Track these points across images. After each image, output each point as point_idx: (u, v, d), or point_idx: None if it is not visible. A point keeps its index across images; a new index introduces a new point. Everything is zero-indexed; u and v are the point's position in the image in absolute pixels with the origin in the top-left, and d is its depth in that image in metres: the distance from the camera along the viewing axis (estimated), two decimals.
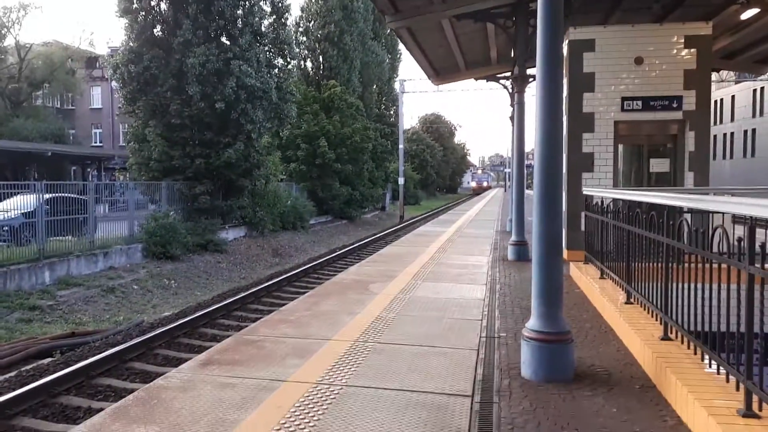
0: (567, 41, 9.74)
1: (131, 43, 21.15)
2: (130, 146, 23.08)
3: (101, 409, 5.32)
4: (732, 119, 49.39)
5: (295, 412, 3.89)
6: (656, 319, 5.02)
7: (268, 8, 23.84)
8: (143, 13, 21.31)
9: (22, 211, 14.69)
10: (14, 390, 7.11)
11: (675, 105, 9.62)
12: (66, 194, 16.30)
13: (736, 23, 11.70)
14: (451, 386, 4.36)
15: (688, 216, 5.92)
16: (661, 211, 4.92)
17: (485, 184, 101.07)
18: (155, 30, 21.88)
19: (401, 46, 43.47)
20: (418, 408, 3.96)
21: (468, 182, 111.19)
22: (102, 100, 50.34)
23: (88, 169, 39.10)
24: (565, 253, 9.14)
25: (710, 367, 3.92)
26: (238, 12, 21.90)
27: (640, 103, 9.71)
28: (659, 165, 10.05)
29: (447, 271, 9.75)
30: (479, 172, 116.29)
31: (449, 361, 4.94)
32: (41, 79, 41.03)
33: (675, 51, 9.63)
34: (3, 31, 38.88)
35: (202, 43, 20.59)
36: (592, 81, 9.81)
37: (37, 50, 41.31)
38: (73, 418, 6.67)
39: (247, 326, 7.50)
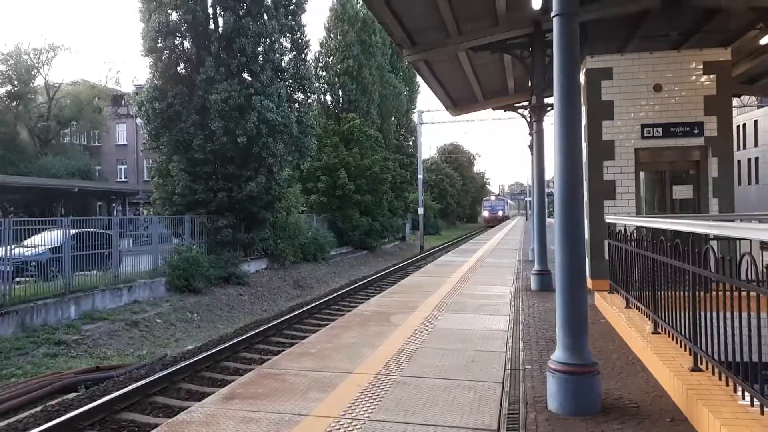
0: (584, 70, 9.77)
1: (155, 81, 21.75)
2: (154, 181, 23.53)
3: None
4: (756, 144, 48.70)
5: None
6: (685, 350, 4.90)
7: (288, 45, 24.40)
8: (167, 51, 21.95)
9: (49, 247, 14.98)
10: (40, 425, 7.16)
11: (696, 131, 9.54)
12: (91, 229, 16.61)
13: (755, 48, 11.65)
14: (476, 420, 4.28)
15: (714, 243, 5.81)
16: (686, 239, 4.85)
17: (500, 213, 77.23)
18: (179, 68, 22.49)
19: (419, 78, 43.95)
20: None
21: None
22: (127, 137, 51.54)
23: (113, 204, 39.83)
24: (589, 283, 9.01)
25: (743, 399, 3.80)
26: (259, 49, 22.43)
27: (660, 129, 9.66)
28: (682, 192, 9.93)
29: (469, 302, 9.65)
30: (492, 198, 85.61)
31: (474, 395, 4.86)
32: (69, 117, 42.25)
33: (694, 77, 9.60)
34: (33, 72, 40.25)
35: (224, 79, 21.08)
36: (611, 109, 9.80)
37: (66, 89, 42.65)
38: None
39: (269, 359, 7.48)
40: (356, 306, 12.16)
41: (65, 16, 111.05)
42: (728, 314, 3.87)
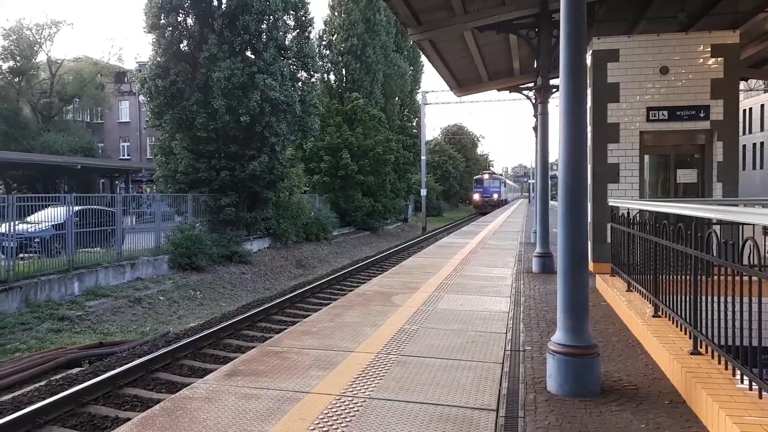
0: (591, 51, 9.67)
1: (158, 58, 21.62)
2: (157, 159, 23.51)
3: (128, 419, 5.41)
4: (762, 128, 48.40)
5: (318, 424, 3.89)
6: (685, 333, 4.92)
7: (291, 22, 24.18)
8: (170, 28, 21.78)
9: (53, 223, 15.04)
10: (44, 399, 7.25)
11: (702, 115, 9.46)
12: (95, 206, 16.65)
13: (764, 31, 11.51)
14: (475, 400, 4.33)
15: (717, 228, 5.81)
16: (689, 223, 4.84)
17: (495, 196, 61.42)
18: (182, 45, 22.33)
19: (423, 58, 43.59)
20: (442, 421, 3.93)
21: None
22: (130, 114, 51.42)
23: (116, 182, 39.85)
24: (590, 266, 9.02)
25: (742, 382, 3.82)
26: (262, 26, 22.25)
27: (666, 113, 9.58)
28: (686, 175, 9.88)
29: (470, 283, 9.69)
30: (485, 177, 65.16)
31: (473, 375, 4.90)
32: (72, 93, 42.08)
33: (701, 60, 9.50)
34: (35, 48, 40.00)
35: (227, 57, 20.94)
36: (617, 91, 9.72)
37: (68, 66, 42.43)
38: (101, 428, 6.77)
39: (271, 337, 7.54)
40: (358, 286, 12.22)
41: None
42: (729, 299, 3.88)
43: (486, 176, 65.48)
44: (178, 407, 4.24)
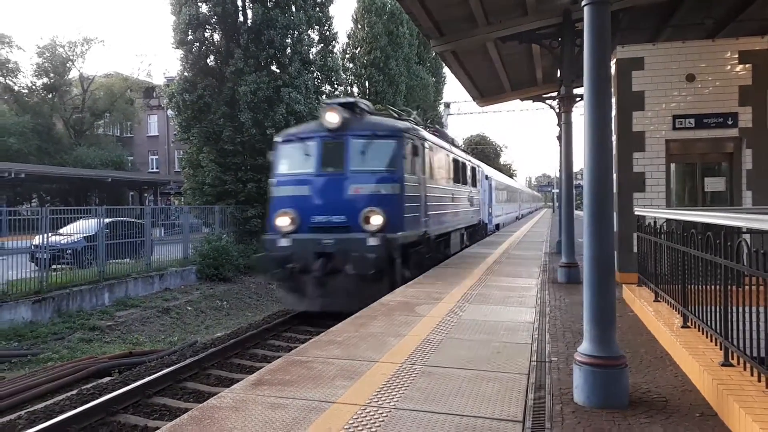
0: (615, 60, 9.62)
1: (186, 73, 22.09)
2: (184, 172, 23.96)
3: (157, 428, 5.49)
4: None
5: None
6: (716, 344, 4.83)
7: (315, 36, 24.52)
8: (197, 44, 22.26)
9: (84, 235, 15.40)
10: (75, 408, 7.40)
11: (730, 122, 9.33)
12: (125, 219, 17.03)
13: None
14: (501, 411, 4.30)
15: (747, 237, 5.71)
16: (717, 232, 4.77)
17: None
18: (209, 60, 22.80)
19: (446, 69, 43.69)
20: None
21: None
22: (158, 128, 52.44)
23: (145, 194, 40.64)
24: (617, 276, 8.92)
25: None
26: (287, 41, 22.60)
27: (692, 120, 9.47)
28: (714, 184, 9.73)
29: (495, 294, 9.64)
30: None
31: (499, 386, 4.88)
32: (103, 109, 43.20)
33: (729, 67, 9.38)
34: (68, 65, 41.20)
35: (253, 71, 21.30)
36: (642, 99, 9.64)
37: (99, 81, 43.61)
38: None
39: (296, 347, 7.59)
40: (382, 296, 12.22)
41: (99, 9, 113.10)
42: (761, 308, 3.82)
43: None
44: (206, 416, 4.30)
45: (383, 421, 4.13)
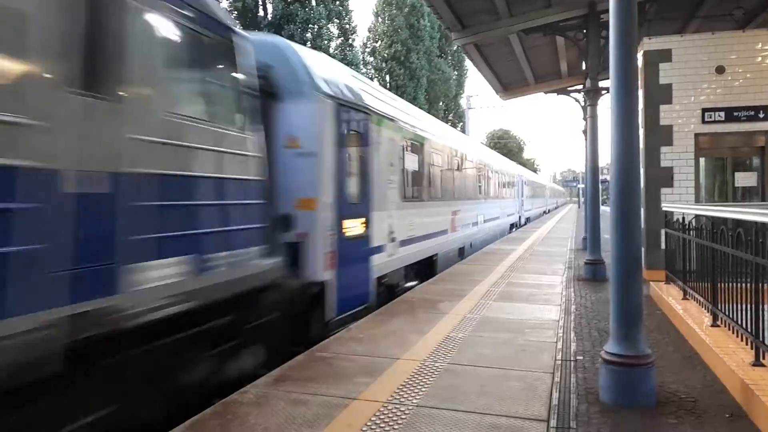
0: (641, 52, 9.42)
1: None
2: None
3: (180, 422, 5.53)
4: None
5: (365, 431, 3.89)
6: (746, 344, 4.71)
7: (335, 30, 24.54)
8: None
9: None
10: None
11: (762, 115, 9.08)
12: None
13: None
14: (525, 410, 4.24)
15: None
16: (749, 228, 4.64)
17: None
18: None
19: (468, 63, 43.44)
20: None
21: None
22: None
23: None
24: (644, 273, 8.76)
25: None
26: (307, 35, 22.64)
27: (722, 114, 9.24)
28: (745, 179, 9.50)
29: (518, 291, 9.54)
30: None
31: (523, 384, 4.81)
32: None
33: (760, 59, 9.12)
34: None
35: None
36: (670, 92, 9.43)
37: None
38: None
39: (319, 343, 7.60)
40: (403, 292, 12.20)
41: None
42: None
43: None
44: (228, 411, 4.32)
45: (405, 418, 4.10)
